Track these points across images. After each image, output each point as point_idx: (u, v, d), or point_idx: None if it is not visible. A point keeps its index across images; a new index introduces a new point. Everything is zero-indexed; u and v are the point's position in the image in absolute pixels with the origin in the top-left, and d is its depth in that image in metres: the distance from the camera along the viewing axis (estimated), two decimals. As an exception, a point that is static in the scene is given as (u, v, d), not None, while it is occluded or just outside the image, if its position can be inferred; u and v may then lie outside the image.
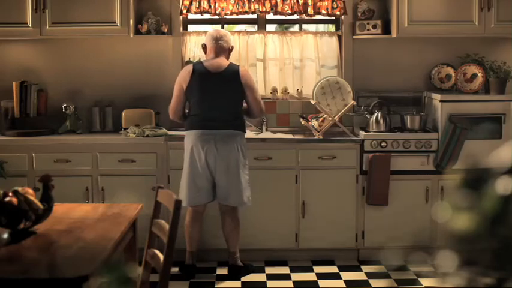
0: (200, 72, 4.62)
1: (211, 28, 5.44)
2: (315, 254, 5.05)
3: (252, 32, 5.57)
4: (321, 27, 5.83)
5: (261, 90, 5.46)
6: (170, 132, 5.14)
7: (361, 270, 4.89)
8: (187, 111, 4.73)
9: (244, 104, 4.71)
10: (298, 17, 5.45)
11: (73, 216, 3.24)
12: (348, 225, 5.01)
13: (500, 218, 0.93)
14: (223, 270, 4.82)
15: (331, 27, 5.73)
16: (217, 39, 4.68)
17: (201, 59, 5.07)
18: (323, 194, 4.99)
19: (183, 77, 4.66)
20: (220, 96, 4.60)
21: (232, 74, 4.62)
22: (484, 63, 5.28)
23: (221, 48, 4.68)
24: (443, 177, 4.97)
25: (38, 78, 5.41)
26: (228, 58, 4.72)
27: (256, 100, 4.68)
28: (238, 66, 4.71)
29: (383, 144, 4.99)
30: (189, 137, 4.63)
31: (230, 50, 4.75)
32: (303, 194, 4.99)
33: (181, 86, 4.65)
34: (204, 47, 4.77)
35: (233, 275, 4.73)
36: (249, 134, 5.11)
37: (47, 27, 5.09)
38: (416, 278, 4.65)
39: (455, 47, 5.44)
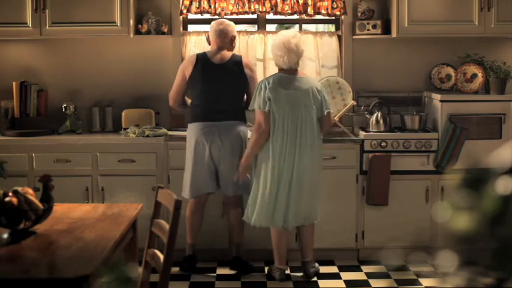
0: (203, 63, 4.66)
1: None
2: (315, 254, 5.04)
3: (252, 32, 5.56)
4: (321, 27, 5.84)
5: (261, 90, 5.46)
6: (170, 132, 5.14)
7: (361, 270, 4.89)
8: (190, 101, 4.76)
9: None
10: (298, 17, 5.45)
11: (73, 216, 3.24)
12: (348, 225, 5.01)
13: (500, 218, 0.93)
14: (223, 270, 4.82)
15: (331, 27, 5.73)
16: (219, 32, 4.71)
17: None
18: (323, 194, 4.98)
19: (185, 66, 4.71)
20: (224, 87, 4.64)
21: (236, 65, 4.68)
22: (484, 63, 5.27)
23: (223, 41, 4.71)
24: (443, 177, 4.96)
25: (38, 78, 5.41)
26: (231, 48, 4.75)
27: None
28: (240, 56, 4.77)
29: (383, 144, 4.99)
30: (192, 129, 4.66)
31: (232, 39, 4.76)
32: (303, 194, 4.98)
33: (183, 74, 4.70)
34: (208, 39, 4.82)
35: (236, 268, 4.74)
36: (249, 134, 5.10)
37: (47, 27, 5.09)
38: (416, 278, 4.65)
39: (455, 47, 5.44)
